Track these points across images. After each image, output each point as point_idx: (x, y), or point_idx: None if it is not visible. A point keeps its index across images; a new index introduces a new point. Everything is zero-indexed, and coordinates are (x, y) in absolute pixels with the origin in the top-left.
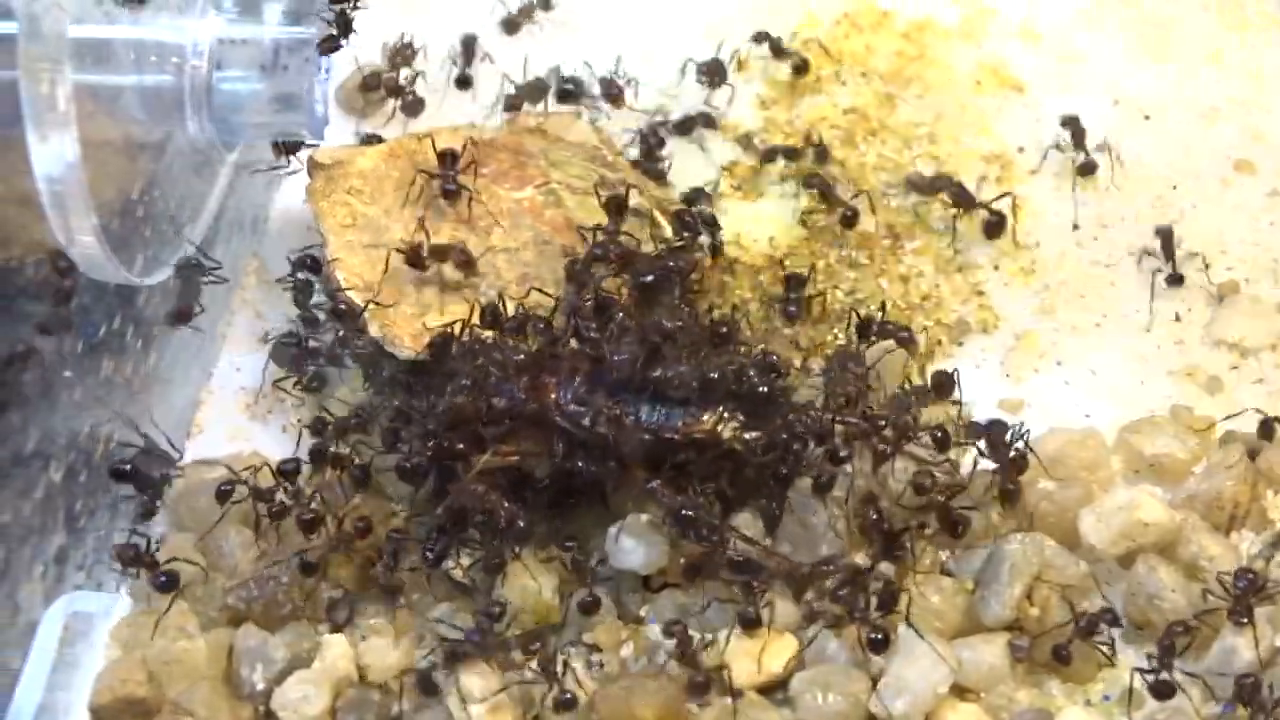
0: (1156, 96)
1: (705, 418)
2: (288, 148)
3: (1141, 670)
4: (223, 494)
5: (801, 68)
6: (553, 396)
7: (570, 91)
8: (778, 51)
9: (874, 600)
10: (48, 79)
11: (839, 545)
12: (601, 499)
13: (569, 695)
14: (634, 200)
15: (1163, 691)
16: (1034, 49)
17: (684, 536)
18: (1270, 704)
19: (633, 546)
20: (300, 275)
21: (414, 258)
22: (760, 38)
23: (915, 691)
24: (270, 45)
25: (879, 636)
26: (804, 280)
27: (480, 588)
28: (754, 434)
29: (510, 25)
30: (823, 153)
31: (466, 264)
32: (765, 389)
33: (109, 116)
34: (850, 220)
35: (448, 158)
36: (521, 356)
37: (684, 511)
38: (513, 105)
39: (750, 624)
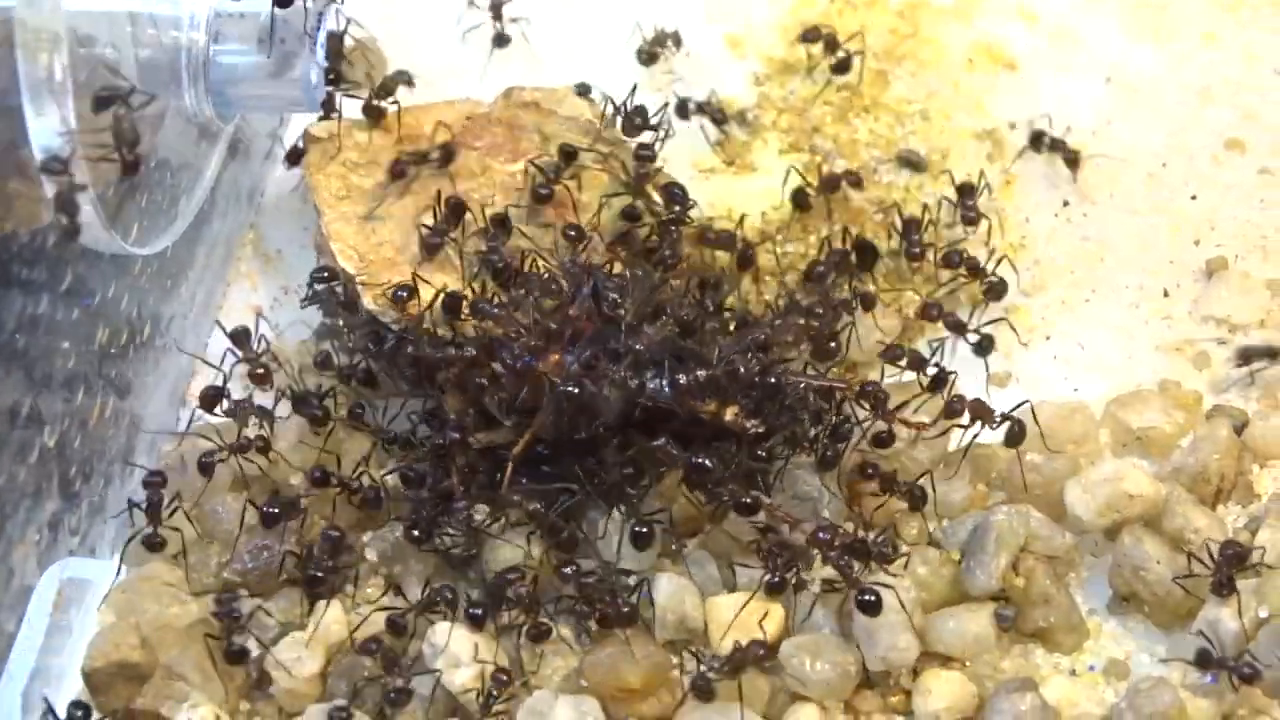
0: (1150, 76)
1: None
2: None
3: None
4: (205, 466)
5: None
6: (556, 359)
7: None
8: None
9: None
10: (45, 51)
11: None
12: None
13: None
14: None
15: None
16: (1028, 28)
17: (692, 490)
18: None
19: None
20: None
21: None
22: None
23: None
24: (267, 18)
25: (871, 598)
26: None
27: (469, 562)
28: (755, 421)
29: None
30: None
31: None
32: (769, 380)
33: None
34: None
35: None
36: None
37: (692, 468)
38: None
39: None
